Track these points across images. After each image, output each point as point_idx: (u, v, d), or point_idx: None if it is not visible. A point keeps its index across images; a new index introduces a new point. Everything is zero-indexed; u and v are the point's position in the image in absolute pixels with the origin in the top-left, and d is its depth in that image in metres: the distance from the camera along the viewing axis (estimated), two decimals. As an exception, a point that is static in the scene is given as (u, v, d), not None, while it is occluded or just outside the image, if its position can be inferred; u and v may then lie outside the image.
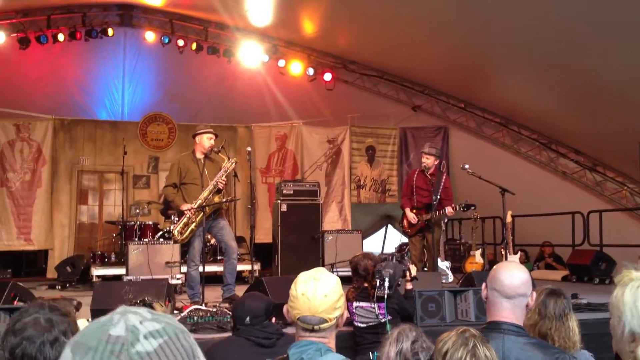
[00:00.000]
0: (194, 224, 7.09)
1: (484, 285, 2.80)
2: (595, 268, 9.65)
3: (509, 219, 8.43)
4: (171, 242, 8.69)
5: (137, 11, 12.17)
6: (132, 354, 0.90)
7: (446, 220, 9.06)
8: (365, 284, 4.87)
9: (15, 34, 11.12)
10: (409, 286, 5.24)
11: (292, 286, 2.39)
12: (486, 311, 2.80)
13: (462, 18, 9.65)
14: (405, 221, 8.61)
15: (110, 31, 11.76)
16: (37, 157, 11.22)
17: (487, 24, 9.58)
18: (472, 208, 8.34)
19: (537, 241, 11.72)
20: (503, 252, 8.63)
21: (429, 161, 8.48)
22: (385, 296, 4.27)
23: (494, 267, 2.85)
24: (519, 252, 9.24)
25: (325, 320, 2.30)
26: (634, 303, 1.85)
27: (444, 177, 8.53)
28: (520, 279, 2.68)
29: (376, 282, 4.35)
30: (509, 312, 2.66)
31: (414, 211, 8.48)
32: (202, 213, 7.01)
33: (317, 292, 2.30)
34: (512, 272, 2.70)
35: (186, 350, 0.96)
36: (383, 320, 4.64)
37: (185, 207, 7.07)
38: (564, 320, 3.23)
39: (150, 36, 12.07)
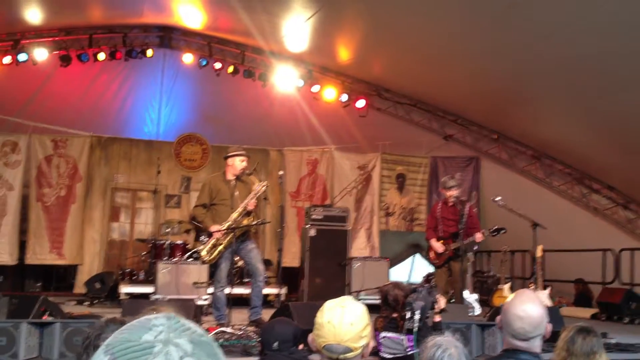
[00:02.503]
0: (222, 246, 7.11)
1: (498, 317, 2.76)
2: (625, 307, 9.49)
3: (539, 253, 8.34)
4: (199, 263, 8.72)
5: (176, 33, 12.40)
6: None
7: (476, 247, 8.98)
8: (394, 314, 4.83)
9: (57, 52, 11.38)
10: (438, 318, 5.20)
11: (318, 314, 2.37)
12: (502, 339, 2.77)
13: (497, 47, 9.64)
14: (431, 252, 8.58)
15: (149, 52, 12.00)
16: (72, 173, 11.41)
17: (524, 54, 9.53)
18: (503, 232, 8.26)
19: (566, 277, 11.54)
20: (532, 287, 8.52)
21: (456, 192, 8.47)
22: (415, 328, 4.24)
23: (507, 302, 2.76)
24: (548, 288, 9.11)
25: (350, 350, 2.29)
26: None
27: (468, 205, 8.51)
28: (531, 322, 2.60)
29: (406, 313, 4.32)
30: (525, 348, 2.63)
31: (441, 241, 8.45)
32: (231, 234, 7.05)
33: (343, 320, 2.29)
34: (522, 314, 2.61)
35: None
36: (410, 352, 4.60)
37: (214, 228, 7.10)
38: (591, 359, 3.15)
39: (188, 58, 12.27)
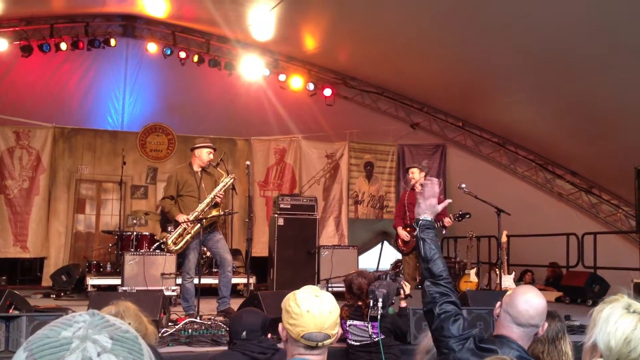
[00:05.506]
0: (189, 235, 7.11)
1: (498, 303, 2.77)
2: (588, 290, 9.71)
3: (504, 238, 8.47)
4: (167, 254, 8.65)
5: (140, 22, 12.26)
6: None
7: (444, 232, 9.07)
8: (359, 303, 4.88)
9: (18, 42, 11.17)
10: (403, 304, 5.27)
11: (292, 304, 2.34)
12: (494, 328, 2.78)
13: (461, 37, 9.72)
14: (399, 240, 8.66)
15: (112, 41, 11.85)
16: (36, 164, 11.21)
17: (487, 44, 9.65)
18: (468, 217, 8.35)
19: (531, 262, 11.76)
20: (497, 272, 8.66)
21: (414, 175, 8.55)
22: (379, 316, 4.28)
23: (511, 293, 2.78)
24: (513, 272, 9.28)
25: (329, 336, 2.30)
26: (605, 319, 2.01)
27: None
28: (536, 308, 2.64)
29: (370, 301, 4.36)
30: (517, 337, 2.65)
31: (407, 229, 8.53)
32: (198, 225, 7.03)
33: (323, 309, 2.29)
34: (530, 299, 2.65)
35: None
36: (376, 339, 4.66)
37: (181, 218, 7.10)
38: (556, 344, 3.15)
39: (152, 47, 12.15)
